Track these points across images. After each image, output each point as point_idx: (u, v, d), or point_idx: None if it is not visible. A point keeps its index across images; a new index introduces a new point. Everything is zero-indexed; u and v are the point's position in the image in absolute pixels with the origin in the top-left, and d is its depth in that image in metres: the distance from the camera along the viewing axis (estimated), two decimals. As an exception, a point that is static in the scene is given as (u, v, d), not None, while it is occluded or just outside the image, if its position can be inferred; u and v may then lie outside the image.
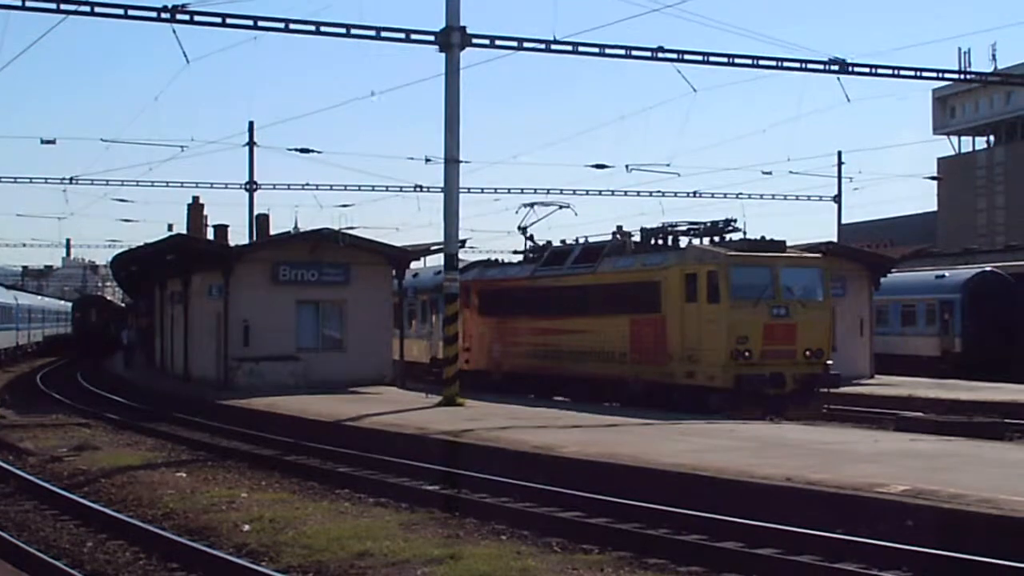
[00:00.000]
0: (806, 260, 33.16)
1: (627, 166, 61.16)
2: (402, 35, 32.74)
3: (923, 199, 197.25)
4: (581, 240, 40.56)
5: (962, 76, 44.91)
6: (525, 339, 40.77)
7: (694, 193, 65.96)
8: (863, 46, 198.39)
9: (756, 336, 30.89)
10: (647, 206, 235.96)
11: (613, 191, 66.14)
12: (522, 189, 64.09)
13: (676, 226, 35.82)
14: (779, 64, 33.92)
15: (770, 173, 75.96)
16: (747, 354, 30.78)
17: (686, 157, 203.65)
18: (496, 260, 46.22)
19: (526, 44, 33.31)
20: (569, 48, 33.29)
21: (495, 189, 66.80)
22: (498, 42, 33.14)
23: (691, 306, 31.96)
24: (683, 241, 35.50)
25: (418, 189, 64.54)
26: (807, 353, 31.35)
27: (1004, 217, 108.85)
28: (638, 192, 65.71)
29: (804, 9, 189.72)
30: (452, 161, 33.21)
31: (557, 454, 21.88)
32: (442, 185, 33.95)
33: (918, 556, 13.91)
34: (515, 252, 44.42)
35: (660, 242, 35.99)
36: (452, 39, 32.37)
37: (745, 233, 33.81)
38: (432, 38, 32.59)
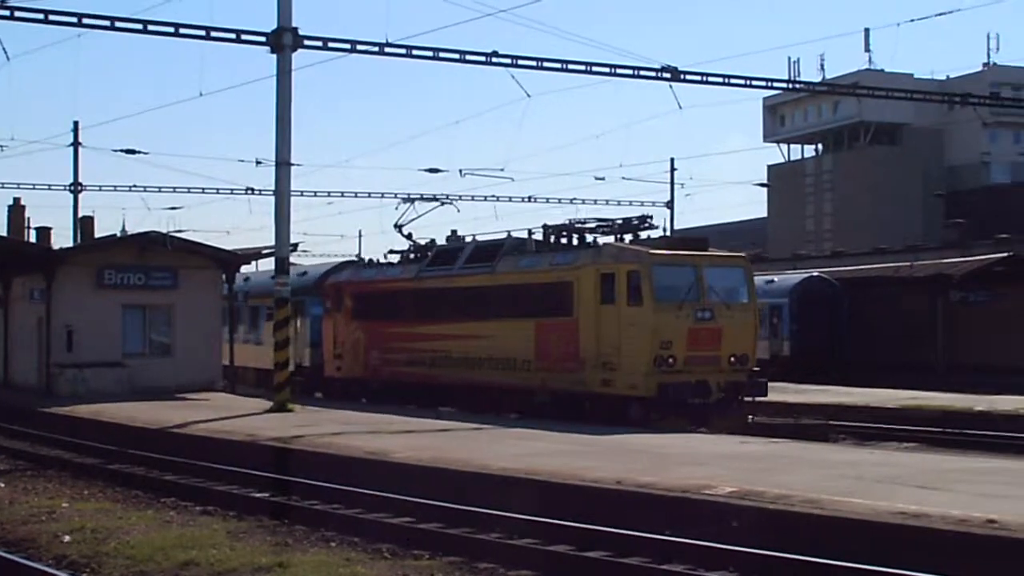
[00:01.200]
0: (730, 259, 31.09)
1: (461, 171, 60.91)
2: (233, 35, 32.19)
3: (753, 205, 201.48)
4: (467, 239, 38.08)
5: (790, 85, 45.66)
6: (408, 345, 37.58)
7: (529, 198, 66.22)
8: (697, 55, 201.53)
9: (680, 341, 28.50)
10: (480, 211, 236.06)
11: (448, 196, 66.03)
12: (356, 193, 63.71)
13: (584, 223, 33.60)
14: (613, 71, 34.19)
15: (603, 179, 76.68)
16: (671, 361, 28.34)
17: (520, 162, 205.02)
18: (372, 260, 42.43)
19: (359, 47, 33.04)
20: (403, 51, 33.12)
21: (328, 193, 66.42)
22: (331, 44, 32.81)
23: (608, 308, 29.39)
24: (594, 239, 33.16)
25: (249, 192, 63.85)
26: (731, 359, 29.13)
27: (831, 223, 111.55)
28: (472, 197, 65.74)
29: (639, 17, 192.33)
30: (284, 164, 32.76)
31: (389, 459, 21.69)
32: (273, 188, 33.45)
33: (743, 556, 14.05)
34: (391, 252, 41.31)
35: (565, 240, 33.60)
36: (284, 40, 31.94)
37: (669, 231, 32.68)
38: (263, 39, 32.12)
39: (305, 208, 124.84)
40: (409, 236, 40.70)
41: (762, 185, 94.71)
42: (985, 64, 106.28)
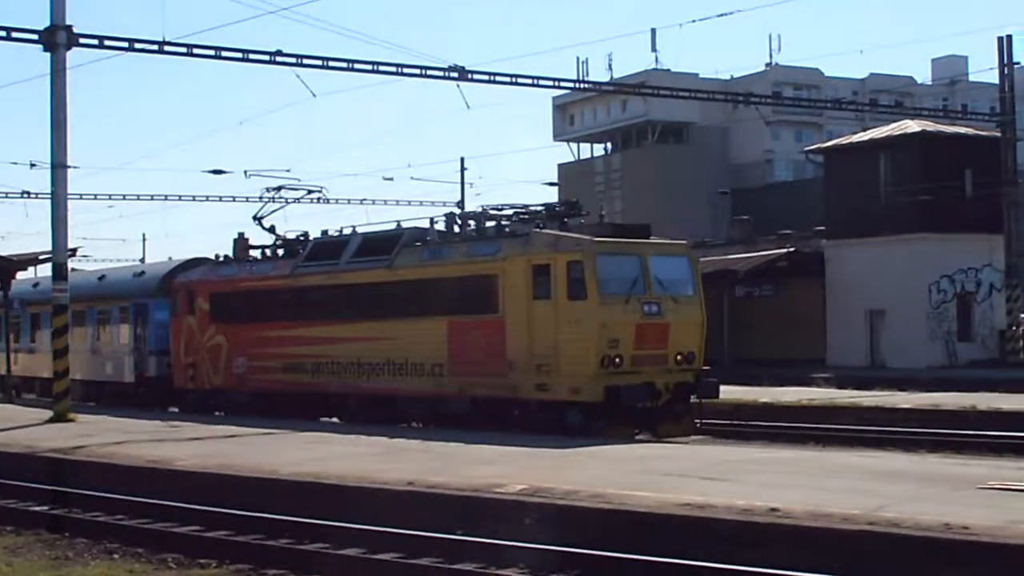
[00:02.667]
0: (674, 247, 28.19)
1: (246, 171, 59.65)
2: (3, 33, 31.10)
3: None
4: (346, 231, 34.05)
5: (578, 85, 46.17)
6: (283, 350, 33.26)
7: (318, 199, 65.45)
8: (486, 54, 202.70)
9: (627, 339, 25.55)
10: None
11: (235, 197, 65.15)
12: (138, 196, 62.25)
13: (500, 210, 30.19)
14: (399, 70, 34.09)
15: (392, 179, 76.32)
16: (617, 361, 25.31)
17: (307, 162, 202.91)
18: (229, 257, 37.47)
19: (137, 45, 32.25)
20: (183, 50, 32.48)
21: (109, 196, 64.60)
22: (107, 43, 31.92)
23: (542, 304, 26.09)
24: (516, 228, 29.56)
25: (25, 195, 61.83)
26: (678, 357, 26.26)
27: (621, 221, 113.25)
28: (259, 198, 64.80)
29: (427, 17, 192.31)
30: (60, 166, 31.72)
31: (174, 467, 21.18)
32: (50, 191, 32.40)
33: (533, 553, 14.09)
34: (253, 247, 37.26)
35: (474, 230, 30.20)
36: (58, 38, 30.92)
37: (603, 217, 29.37)
38: (36, 37, 31.07)
39: (85, 212, 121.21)
40: (272, 229, 36.97)
41: (551, 184, 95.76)
42: (768, 64, 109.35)
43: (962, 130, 52.73)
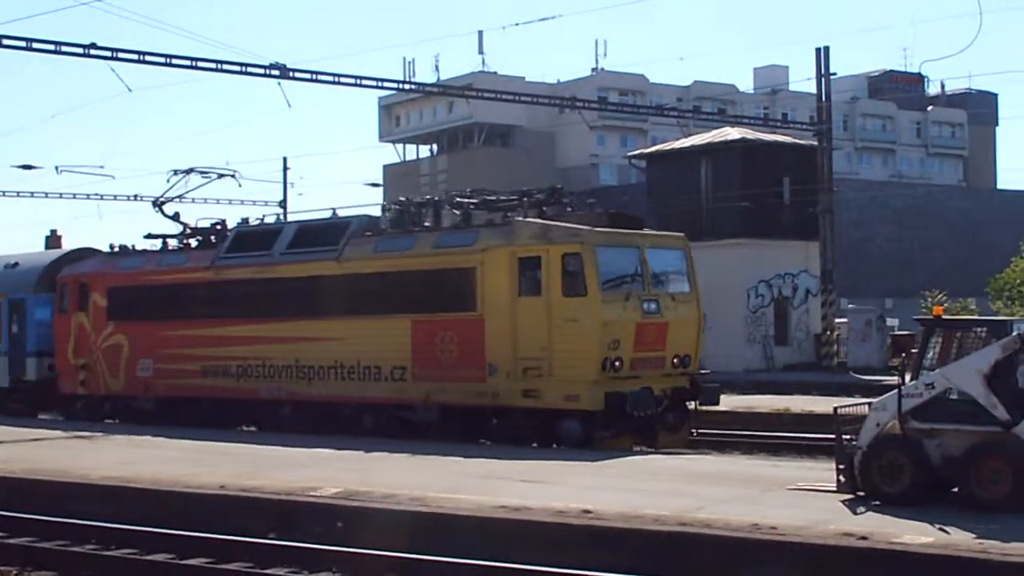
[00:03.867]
0: (670, 239, 25.56)
1: (57, 167, 57.85)
2: None
3: (370, 207, 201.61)
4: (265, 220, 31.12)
5: (402, 86, 45.97)
6: (201, 352, 29.50)
7: (135, 196, 63.97)
8: (312, 52, 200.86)
9: (628, 340, 22.97)
10: (81, 209, 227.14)
11: (47, 193, 63.45)
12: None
13: (469, 198, 27.15)
14: (219, 67, 33.49)
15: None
16: (617, 364, 22.74)
17: (122, 159, 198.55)
18: (127, 247, 33.17)
19: (-64, 35, 31.09)
20: (-9, 40, 31.39)
21: (-89, 193, 62.40)
22: None
23: (530, 301, 23.40)
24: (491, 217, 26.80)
25: None
26: (675, 360, 23.88)
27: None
28: (74, 195, 63.23)
29: (249, 14, 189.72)
30: None
31: (-25, 472, 20.41)
32: None
33: (347, 556, 13.92)
34: (148, 236, 33.00)
35: (429, 221, 27.09)
36: None
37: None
38: None
39: None
40: (176, 217, 33.03)
41: (374, 185, 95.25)
42: (594, 69, 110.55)
43: (781, 138, 53.83)
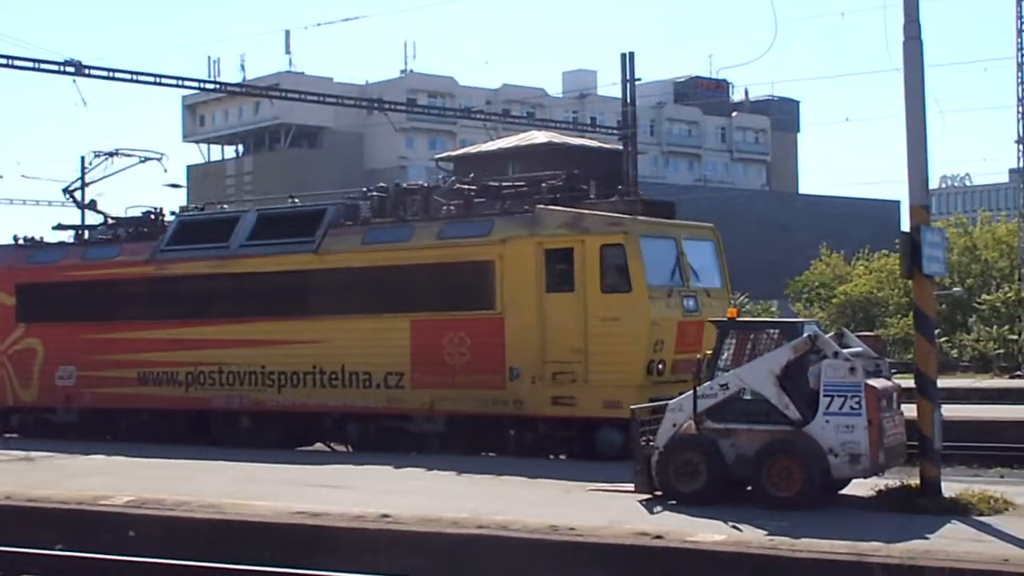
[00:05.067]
0: (703, 230, 23.32)
1: None
2: None
3: (172, 208, 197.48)
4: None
5: (204, 85, 45.03)
6: (141, 357, 25.96)
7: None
8: (114, 48, 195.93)
9: (670, 341, 20.71)
10: None
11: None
12: None
13: (470, 184, 24.60)
14: (10, 62, 32.29)
15: (2, 176, 72.48)
16: (661, 367, 20.55)
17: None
18: (44, 239, 29.42)
19: None
20: None
21: None
22: None
23: (559, 298, 21.14)
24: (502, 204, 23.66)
25: None
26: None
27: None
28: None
29: (45, 8, 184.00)
30: None
31: None
32: None
33: (137, 566, 13.56)
34: (59, 227, 29.68)
35: (418, 209, 24.12)
36: None
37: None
38: None
39: None
40: (92, 205, 29.95)
41: (174, 186, 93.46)
42: (403, 71, 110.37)
43: (587, 142, 54.51)
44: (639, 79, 49.17)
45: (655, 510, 14.70)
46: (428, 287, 22.63)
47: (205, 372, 25.17)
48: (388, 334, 22.88)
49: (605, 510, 14.53)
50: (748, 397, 15.21)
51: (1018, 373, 42.02)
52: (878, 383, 14.94)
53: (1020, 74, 44.53)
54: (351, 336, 23.37)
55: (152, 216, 27.92)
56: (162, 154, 31.16)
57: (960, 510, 14.16)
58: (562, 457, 21.56)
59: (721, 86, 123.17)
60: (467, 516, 14.03)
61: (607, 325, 20.62)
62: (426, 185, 25.35)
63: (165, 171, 37.56)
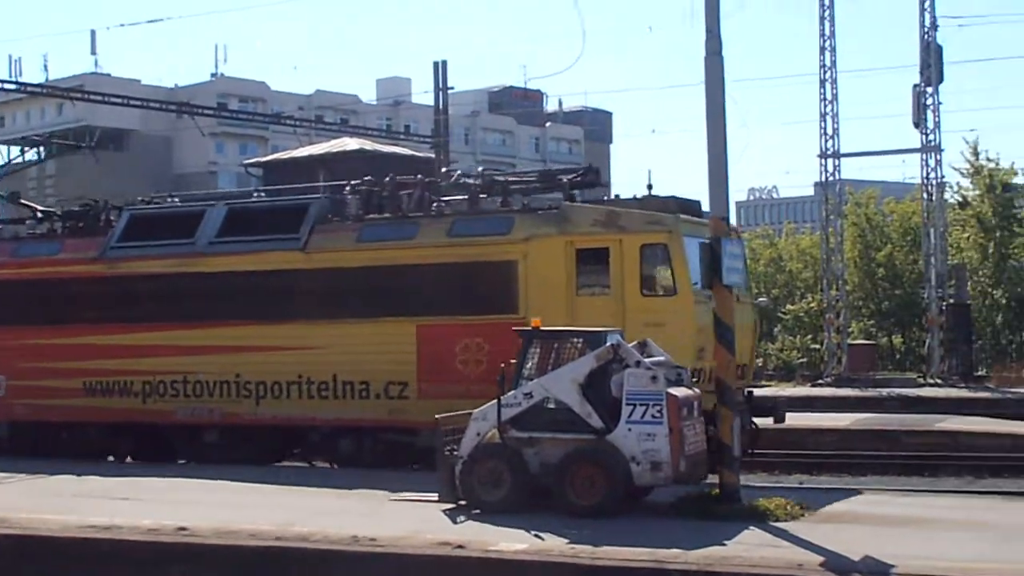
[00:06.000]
0: (728, 230, 20.59)
1: None
2: None
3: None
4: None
5: (3, 85, 43.67)
6: (88, 365, 23.40)
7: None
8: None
9: (710, 348, 17.89)
10: None
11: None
12: None
13: (477, 176, 22.75)
14: None
15: None
16: (700, 375, 18.71)
17: None
18: None
19: None
20: None
21: None
22: None
23: (592, 301, 19.63)
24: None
25: None
26: (739, 372, 19.40)
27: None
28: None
29: None
30: None
31: None
32: None
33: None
34: None
35: (413, 206, 22.08)
36: None
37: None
38: None
39: None
40: (14, 197, 27.85)
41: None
42: (213, 74, 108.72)
43: (399, 149, 54.31)
44: (452, 88, 49.30)
45: (458, 519, 14.65)
46: (437, 289, 20.79)
47: (166, 381, 22.72)
48: (389, 340, 20.88)
49: (406, 520, 14.44)
50: (552, 406, 15.25)
51: (820, 382, 43.12)
52: (679, 392, 15.14)
53: (823, 90, 45.68)
54: (345, 342, 21.06)
55: (90, 209, 25.37)
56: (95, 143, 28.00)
57: (758, 517, 14.42)
58: None
59: (535, 96, 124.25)
60: (267, 528, 13.77)
61: (649, 331, 18.18)
62: (425, 179, 23.34)
63: (97, 162, 34.79)
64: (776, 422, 20.90)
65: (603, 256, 19.71)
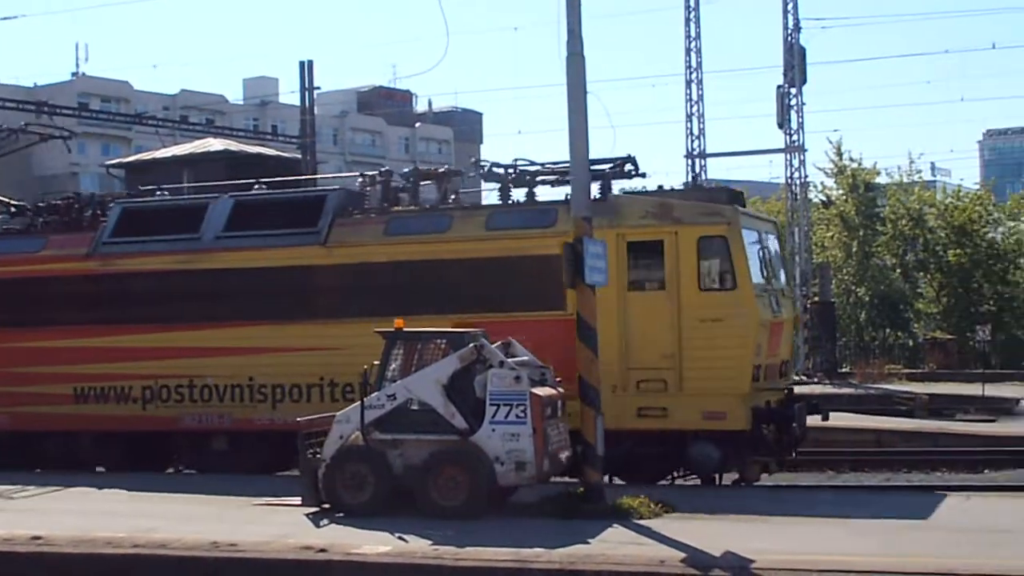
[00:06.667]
0: (772, 224, 21.68)
1: None
2: None
3: None
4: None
5: None
6: (79, 370, 21.80)
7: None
8: None
9: (765, 344, 18.65)
10: None
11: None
12: None
13: (507, 169, 20.67)
14: None
15: None
16: (758, 374, 18.54)
17: None
18: None
19: None
20: None
21: None
22: None
23: (645, 297, 18.76)
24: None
25: None
26: (783, 368, 20.05)
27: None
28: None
29: None
30: None
31: None
32: None
33: None
34: None
35: (438, 196, 21.33)
36: None
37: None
38: None
39: None
40: None
41: None
42: (74, 73, 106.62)
43: (265, 150, 53.64)
44: (319, 88, 48.92)
45: (321, 523, 14.51)
46: (476, 285, 19.67)
47: (170, 386, 21.25)
48: None
49: (269, 524, 14.27)
50: (415, 407, 15.17)
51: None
52: (543, 392, 15.15)
53: (688, 91, 46.25)
54: (373, 342, 17.73)
55: (75, 203, 23.80)
56: (71, 132, 28.56)
57: (622, 514, 14.51)
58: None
59: (404, 96, 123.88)
60: (124, 535, 13.48)
61: (707, 327, 18.16)
62: (452, 169, 22.36)
63: (69, 151, 33.42)
64: (823, 420, 20.66)
65: (656, 249, 18.77)
